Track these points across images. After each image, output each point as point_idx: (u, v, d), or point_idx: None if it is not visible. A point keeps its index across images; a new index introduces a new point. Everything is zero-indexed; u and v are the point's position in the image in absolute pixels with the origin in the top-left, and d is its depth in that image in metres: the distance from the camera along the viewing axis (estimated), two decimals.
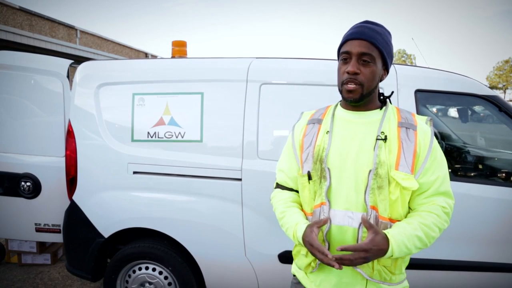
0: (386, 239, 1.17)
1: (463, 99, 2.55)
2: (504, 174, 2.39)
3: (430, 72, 2.39)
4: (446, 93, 2.31)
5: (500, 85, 52.85)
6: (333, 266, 1.16)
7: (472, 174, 2.52)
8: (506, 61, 52.99)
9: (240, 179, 2.30)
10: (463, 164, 2.69)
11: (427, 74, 2.37)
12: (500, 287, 2.26)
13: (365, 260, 1.16)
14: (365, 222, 1.18)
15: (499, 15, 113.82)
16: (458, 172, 2.50)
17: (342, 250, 1.16)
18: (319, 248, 1.19)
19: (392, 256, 1.18)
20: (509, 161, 2.83)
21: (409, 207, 1.31)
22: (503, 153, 2.99)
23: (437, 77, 2.34)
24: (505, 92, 51.69)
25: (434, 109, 5.35)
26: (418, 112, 2.24)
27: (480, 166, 2.71)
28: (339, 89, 1.32)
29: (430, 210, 1.25)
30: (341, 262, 1.16)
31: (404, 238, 1.18)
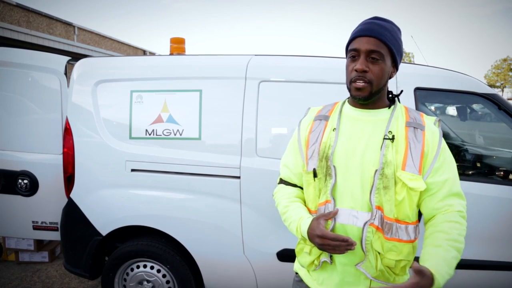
0: (430, 276, 1.09)
1: (462, 97, 2.55)
2: (502, 172, 2.39)
3: (430, 70, 2.38)
4: (445, 91, 2.30)
5: (498, 84, 52.96)
6: (350, 248, 1.15)
7: (470, 172, 2.52)
8: (504, 60, 53.09)
9: (238, 177, 2.29)
10: (461, 162, 2.69)
11: (426, 72, 2.36)
12: (499, 286, 2.26)
13: None
14: (416, 268, 1.08)
15: (498, 14, 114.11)
16: (457, 170, 2.49)
17: None
18: (337, 237, 1.16)
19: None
20: (507, 160, 2.83)
21: (422, 210, 1.28)
22: (502, 152, 2.99)
23: (437, 75, 2.34)
24: (503, 91, 51.78)
25: (433, 107, 5.34)
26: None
27: (479, 164, 2.72)
28: (347, 87, 1.30)
29: (450, 219, 1.21)
30: None
31: (445, 268, 1.12)
